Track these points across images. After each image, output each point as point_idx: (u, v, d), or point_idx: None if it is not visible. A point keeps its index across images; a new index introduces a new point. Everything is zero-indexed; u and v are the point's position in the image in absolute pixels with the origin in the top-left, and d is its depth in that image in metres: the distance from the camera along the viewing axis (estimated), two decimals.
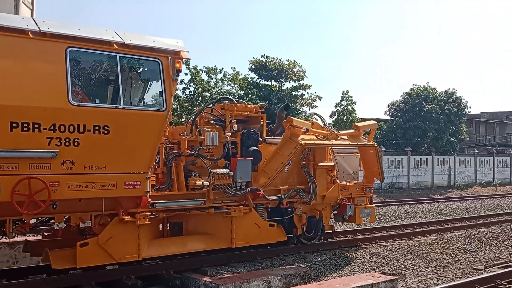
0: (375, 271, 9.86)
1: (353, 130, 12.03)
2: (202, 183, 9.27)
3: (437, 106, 39.19)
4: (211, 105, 10.96)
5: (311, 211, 11.39)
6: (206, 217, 9.73)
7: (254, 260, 10.08)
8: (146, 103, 8.66)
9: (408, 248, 11.91)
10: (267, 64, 32.00)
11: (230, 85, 30.68)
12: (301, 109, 33.05)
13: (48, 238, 9.14)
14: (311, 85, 33.22)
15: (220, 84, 30.21)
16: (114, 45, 7.96)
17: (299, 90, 32.84)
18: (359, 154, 12.61)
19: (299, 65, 32.63)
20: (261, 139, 10.88)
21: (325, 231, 11.90)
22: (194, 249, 9.48)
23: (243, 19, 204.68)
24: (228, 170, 9.77)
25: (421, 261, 11.03)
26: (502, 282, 8.52)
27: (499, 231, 14.37)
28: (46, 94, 7.30)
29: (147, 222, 8.60)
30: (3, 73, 7.00)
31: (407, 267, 10.52)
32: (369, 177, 12.55)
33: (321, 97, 33.55)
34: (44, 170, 7.26)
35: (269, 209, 10.74)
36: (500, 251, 12.34)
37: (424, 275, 9.86)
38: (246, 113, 10.72)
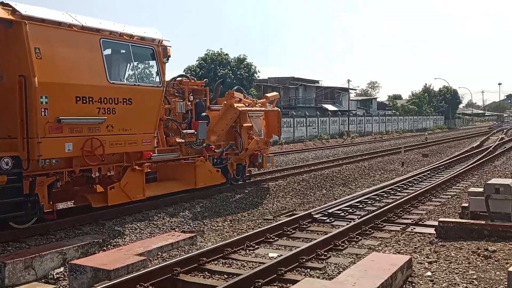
0: (175, 231, 10.03)
1: (264, 100, 16.01)
2: (179, 140, 12.25)
3: (230, 71, 41.12)
4: (172, 81, 13.25)
5: (239, 160, 14.99)
6: (176, 166, 12.84)
7: (47, 233, 9.34)
8: (150, 81, 11.71)
9: (204, 206, 12.38)
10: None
11: None
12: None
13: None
14: None
15: None
16: (125, 36, 10.42)
17: None
18: (262, 117, 15.90)
19: None
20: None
21: (245, 175, 15.64)
22: (174, 190, 12.53)
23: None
24: (193, 130, 12.68)
25: (218, 216, 11.59)
26: (289, 228, 9.43)
27: (285, 184, 15.89)
28: (93, 74, 9.60)
29: (148, 170, 11.39)
30: (66, 59, 9.17)
31: (205, 223, 10.94)
32: (269, 134, 16.42)
33: None
34: (97, 132, 9.61)
35: (214, 159, 14.03)
36: (286, 202, 13.66)
37: (221, 229, 10.40)
38: (195, 87, 13.85)
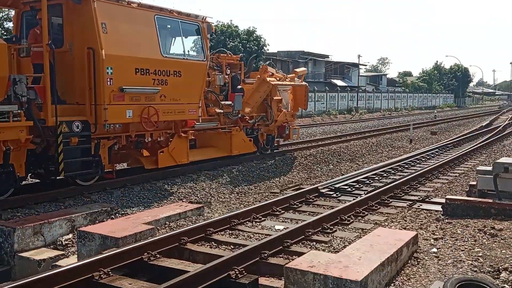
0: (183, 201, 10.10)
1: (293, 74, 17.11)
2: (218, 111, 13.36)
3: (240, 44, 40.72)
4: (211, 55, 13.93)
5: (268, 131, 16.02)
6: (214, 135, 13.97)
7: (55, 200, 9.43)
8: (196, 55, 12.63)
9: (213, 177, 12.44)
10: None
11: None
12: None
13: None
14: None
15: None
16: (175, 13, 11.55)
17: None
18: (289, 91, 16.82)
19: None
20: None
21: (274, 145, 16.79)
22: (212, 156, 13.68)
23: None
24: (230, 102, 13.76)
25: (225, 189, 11.65)
26: (295, 202, 9.47)
27: (292, 159, 15.91)
28: (149, 48, 10.68)
29: (192, 137, 12.60)
30: (127, 33, 10.19)
31: (212, 195, 11.01)
32: (296, 107, 17.40)
33: None
34: (152, 102, 10.72)
35: (247, 130, 14.92)
36: (293, 176, 13.69)
37: (228, 201, 10.49)
38: (231, 61, 14.78)
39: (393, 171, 13.48)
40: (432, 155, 16.99)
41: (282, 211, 8.87)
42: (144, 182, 11.23)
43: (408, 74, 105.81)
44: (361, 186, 11.36)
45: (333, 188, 10.81)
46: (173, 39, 11.85)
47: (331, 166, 15.58)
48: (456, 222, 7.74)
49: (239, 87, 14.42)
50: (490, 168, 8.57)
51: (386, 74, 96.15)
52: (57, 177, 10.00)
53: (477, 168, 9.30)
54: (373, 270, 5.11)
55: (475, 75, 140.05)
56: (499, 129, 27.04)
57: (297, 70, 17.88)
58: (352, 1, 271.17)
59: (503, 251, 6.28)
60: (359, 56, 67.99)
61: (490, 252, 6.26)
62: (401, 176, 12.34)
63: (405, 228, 7.59)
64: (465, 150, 17.30)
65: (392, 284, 5.45)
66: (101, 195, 10.06)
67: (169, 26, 11.55)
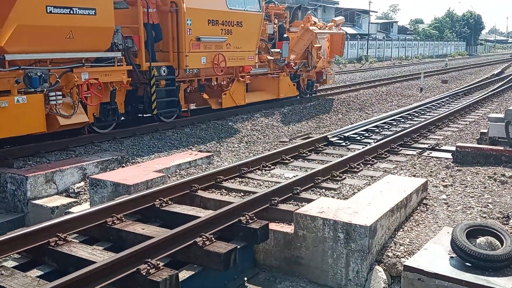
0: (193, 150, 10.15)
1: (332, 23, 18.16)
2: (269, 58, 15.00)
3: None
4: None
5: (308, 76, 17.54)
6: (264, 80, 15.36)
7: (66, 149, 9.52)
8: (253, 7, 13.63)
9: (221, 127, 12.44)
10: None
11: None
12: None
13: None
14: None
15: None
16: None
17: None
18: (326, 38, 17.92)
19: None
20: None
21: (314, 89, 18.28)
22: (264, 99, 15.22)
23: None
24: (279, 49, 15.18)
25: (234, 138, 11.67)
26: (304, 151, 9.48)
27: (301, 108, 15.82)
28: (217, 1, 12.29)
29: (248, 81, 14.21)
30: None
31: (221, 144, 11.04)
32: (332, 54, 18.66)
33: None
34: (220, 49, 12.49)
35: (291, 75, 16.33)
36: (301, 125, 13.67)
37: (237, 150, 10.55)
38: (278, 11, 15.98)
39: (402, 120, 13.40)
40: (443, 104, 16.83)
41: (292, 160, 8.90)
42: (153, 131, 11.28)
43: (420, 21, 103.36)
44: (371, 134, 11.33)
45: (342, 137, 10.79)
46: None
47: (340, 115, 15.50)
48: (466, 170, 7.73)
49: (285, 35, 15.74)
50: (502, 115, 8.47)
51: (397, 22, 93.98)
52: (149, 115, 11.66)
53: (489, 115, 9.21)
54: (382, 216, 5.16)
55: (487, 22, 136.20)
56: (511, 77, 26.60)
57: (336, 19, 19.02)
58: None
59: None
60: (370, 2, 66.14)
61: (499, 199, 6.27)
62: (410, 125, 12.27)
63: (414, 176, 7.60)
64: (476, 99, 17.10)
65: (401, 229, 5.51)
66: (111, 144, 10.12)
67: None
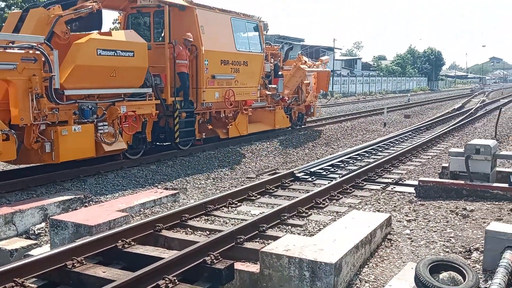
0: (158, 187, 10.02)
1: (319, 62, 20.93)
2: (268, 92, 16.78)
3: None
4: None
5: (299, 109, 19.45)
6: (261, 112, 16.97)
7: (27, 189, 9.26)
8: (255, 48, 15.69)
9: (188, 164, 12.37)
10: None
11: None
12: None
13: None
14: None
15: None
16: (241, 15, 15.15)
17: None
18: (313, 75, 19.95)
19: None
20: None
21: (303, 121, 20.23)
22: (262, 129, 16.87)
23: None
24: (275, 85, 17.18)
25: (201, 175, 11.60)
26: (271, 187, 9.47)
27: (268, 145, 15.91)
28: (228, 44, 14.21)
29: (250, 114, 15.75)
30: (215, 33, 13.65)
31: (188, 181, 10.95)
32: (318, 89, 20.85)
33: None
34: (230, 85, 14.28)
35: (284, 108, 18.11)
36: (268, 161, 13.71)
37: (204, 187, 10.43)
38: (273, 51, 18.14)
39: (367, 154, 13.62)
40: (406, 138, 17.21)
41: (258, 196, 8.88)
42: (117, 169, 11.11)
43: (383, 58, 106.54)
44: (336, 169, 11.45)
45: (308, 172, 10.86)
46: (242, 35, 15.25)
47: (307, 150, 15.64)
48: (429, 204, 7.87)
49: (280, 73, 17.78)
50: (462, 150, 8.71)
51: (361, 58, 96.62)
52: (171, 143, 13.04)
53: (449, 150, 9.44)
54: (347, 252, 5.17)
55: (447, 59, 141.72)
56: (470, 111, 27.52)
57: (322, 58, 21.73)
58: None
59: (474, 232, 6.41)
60: (334, 39, 67.96)
61: (461, 233, 6.38)
62: (375, 159, 12.47)
63: (379, 211, 7.68)
64: (437, 133, 17.57)
65: (366, 266, 5.52)
66: (74, 183, 9.91)
67: (239, 26, 14.91)
